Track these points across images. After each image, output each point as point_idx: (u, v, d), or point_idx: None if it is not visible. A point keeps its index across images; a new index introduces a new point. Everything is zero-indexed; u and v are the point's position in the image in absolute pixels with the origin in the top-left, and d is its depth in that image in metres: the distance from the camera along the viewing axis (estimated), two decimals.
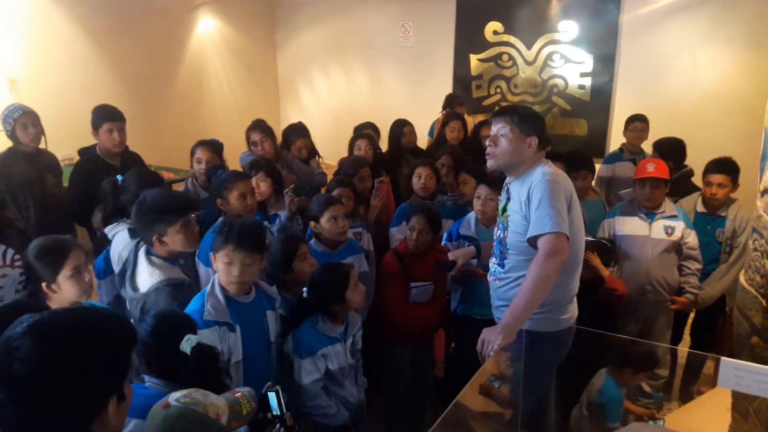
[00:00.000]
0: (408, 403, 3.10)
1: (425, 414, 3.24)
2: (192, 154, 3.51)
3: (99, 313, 1.11)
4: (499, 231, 2.47)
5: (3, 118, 3.45)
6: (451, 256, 2.81)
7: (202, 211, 2.86)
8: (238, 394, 1.60)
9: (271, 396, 1.71)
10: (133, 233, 2.66)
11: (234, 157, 4.22)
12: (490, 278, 2.54)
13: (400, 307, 2.91)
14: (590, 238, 3.31)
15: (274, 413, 1.71)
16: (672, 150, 3.90)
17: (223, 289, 2.19)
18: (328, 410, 2.40)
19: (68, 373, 0.99)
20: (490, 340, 2.13)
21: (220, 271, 2.19)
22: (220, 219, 2.93)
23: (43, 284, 2.08)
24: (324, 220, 2.88)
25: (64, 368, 0.99)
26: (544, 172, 2.29)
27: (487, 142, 2.38)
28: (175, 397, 1.42)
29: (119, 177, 2.90)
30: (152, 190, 2.49)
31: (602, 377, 2.94)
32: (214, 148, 3.54)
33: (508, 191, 2.44)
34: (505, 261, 2.41)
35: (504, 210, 2.43)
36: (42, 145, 3.59)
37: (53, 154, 3.74)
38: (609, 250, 3.27)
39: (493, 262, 2.52)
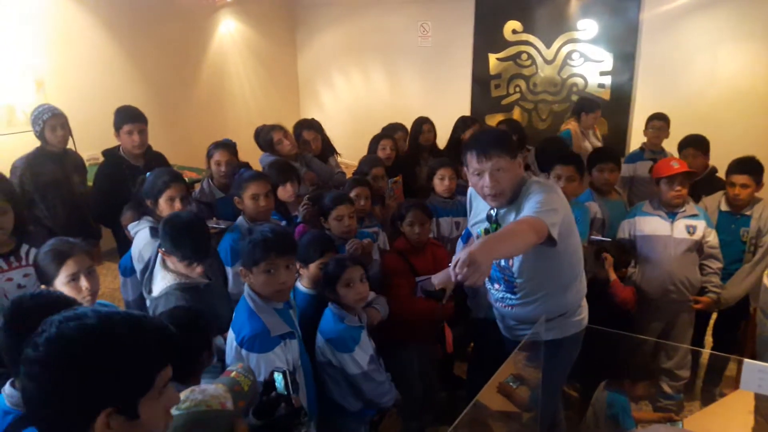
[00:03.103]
0: (424, 399, 3.12)
1: (441, 409, 3.28)
2: (209, 155, 3.53)
3: (117, 323, 1.04)
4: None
5: (33, 119, 3.53)
6: (434, 280, 2.59)
7: (220, 226, 2.94)
8: (233, 374, 1.59)
9: (278, 377, 1.65)
10: (154, 231, 2.69)
11: (254, 158, 4.27)
12: (498, 305, 2.51)
13: (410, 302, 2.92)
14: (607, 239, 3.31)
15: (280, 392, 1.65)
16: (698, 141, 3.88)
17: (264, 300, 2.16)
18: (384, 388, 2.48)
19: (58, 375, 0.99)
20: (477, 272, 1.75)
21: (262, 282, 2.13)
22: (238, 222, 2.97)
23: (42, 287, 2.09)
24: (331, 218, 2.95)
25: (55, 368, 0.99)
26: (533, 187, 2.21)
27: (486, 184, 2.19)
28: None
29: (148, 175, 2.93)
30: (182, 216, 2.43)
31: (603, 391, 2.93)
32: (232, 149, 3.57)
33: (495, 220, 2.33)
34: (516, 288, 2.38)
35: None
36: (69, 146, 3.67)
37: (79, 155, 3.82)
38: (627, 250, 3.26)
39: (497, 289, 2.46)
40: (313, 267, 2.60)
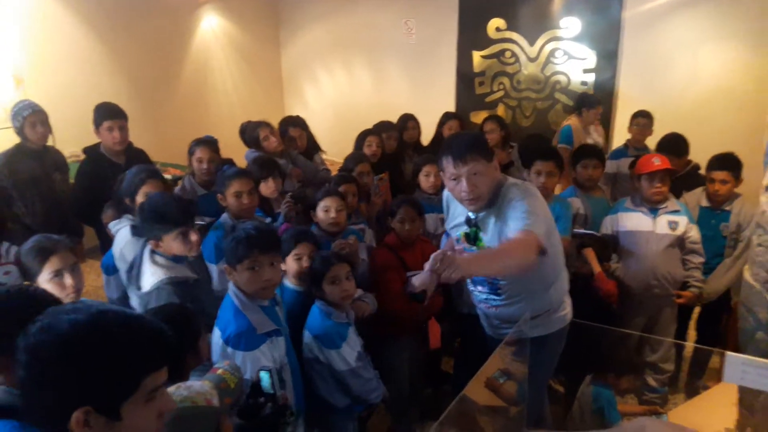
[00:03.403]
0: (412, 393, 3.13)
1: (427, 404, 3.29)
2: (191, 152, 3.48)
3: (109, 323, 1.02)
4: None
5: (12, 115, 3.47)
6: (416, 281, 2.66)
7: (202, 222, 2.88)
8: (219, 371, 1.59)
9: (264, 376, 1.64)
10: (135, 230, 2.67)
11: (238, 154, 4.23)
12: (482, 305, 2.52)
13: (401, 297, 2.93)
14: (590, 233, 3.33)
15: (266, 392, 1.65)
16: (674, 145, 3.90)
17: (249, 298, 2.15)
18: (371, 384, 2.49)
19: (41, 366, 0.99)
20: (452, 266, 1.88)
21: (246, 279, 2.12)
22: (222, 219, 2.95)
23: (25, 284, 2.01)
24: (318, 209, 2.97)
25: (39, 359, 0.99)
26: (511, 191, 2.21)
27: (464, 189, 2.18)
28: None
29: (127, 173, 2.91)
30: (156, 194, 2.48)
31: (589, 385, 2.96)
32: (214, 146, 3.53)
33: (474, 223, 2.33)
34: (500, 290, 2.39)
35: (477, 240, 2.33)
36: (50, 143, 3.61)
37: (60, 152, 3.76)
38: (607, 245, 3.28)
39: (480, 291, 2.46)
40: (289, 260, 2.59)
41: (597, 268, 3.16)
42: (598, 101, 5.22)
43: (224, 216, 2.97)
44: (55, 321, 1.00)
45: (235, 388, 1.56)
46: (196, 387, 1.44)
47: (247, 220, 2.84)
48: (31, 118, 3.44)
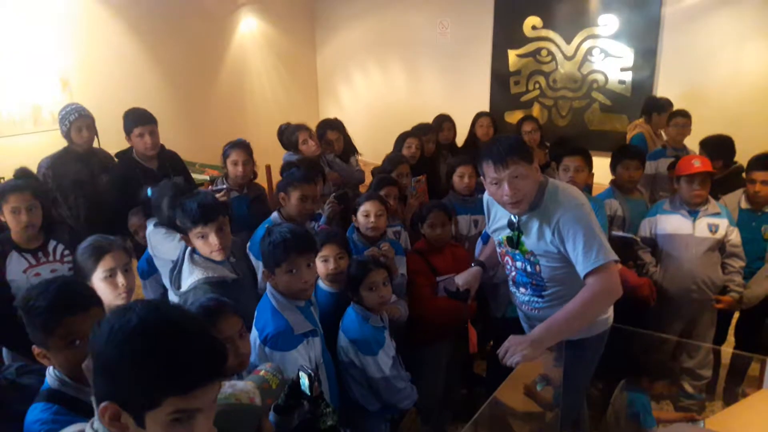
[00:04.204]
0: (445, 396, 3.14)
1: (460, 406, 3.30)
2: (225, 155, 3.50)
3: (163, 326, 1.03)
4: (521, 264, 2.37)
5: (60, 119, 3.57)
6: (458, 280, 2.62)
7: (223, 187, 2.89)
8: (261, 372, 1.62)
9: (303, 377, 1.66)
10: (159, 223, 2.79)
11: (273, 156, 4.29)
12: (524, 307, 2.51)
13: (432, 302, 2.94)
14: (629, 236, 3.29)
15: (305, 392, 1.66)
16: (720, 148, 3.82)
17: (286, 298, 2.18)
18: (404, 393, 2.49)
19: (92, 356, 1.04)
20: (516, 350, 2.02)
21: (286, 282, 2.16)
22: (272, 218, 3.00)
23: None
24: (359, 213, 2.97)
25: (91, 350, 1.05)
26: (560, 199, 2.21)
27: (506, 193, 2.18)
28: None
29: (149, 191, 2.93)
30: (189, 196, 2.50)
31: (623, 390, 2.92)
32: (249, 149, 3.54)
33: (517, 227, 2.32)
34: (544, 292, 2.37)
35: (518, 243, 2.33)
36: (96, 145, 3.70)
37: (109, 153, 3.83)
38: (632, 245, 3.22)
39: (522, 293, 2.46)
40: (316, 261, 2.57)
41: (620, 265, 3.10)
42: (669, 103, 4.99)
43: (275, 215, 3.02)
44: (115, 316, 1.04)
45: (277, 389, 1.59)
46: (240, 385, 1.48)
47: (300, 223, 2.89)
48: (77, 123, 3.52)
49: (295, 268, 2.15)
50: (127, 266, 2.16)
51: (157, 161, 3.61)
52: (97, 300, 1.70)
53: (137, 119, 3.51)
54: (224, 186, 3.34)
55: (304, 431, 1.67)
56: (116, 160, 3.78)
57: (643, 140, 4.81)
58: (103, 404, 1.01)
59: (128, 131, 3.52)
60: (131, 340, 1.00)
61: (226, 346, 1.09)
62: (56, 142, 3.71)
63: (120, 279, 2.12)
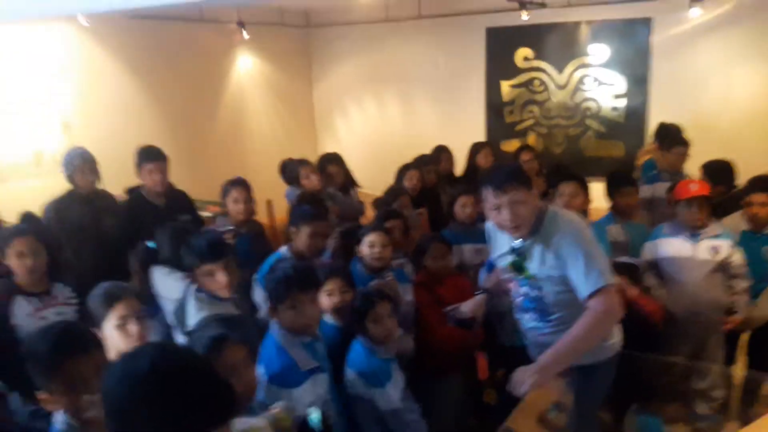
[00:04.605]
0: (455, 427, 3.11)
1: None
2: (225, 193, 3.52)
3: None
4: (526, 289, 2.40)
5: (64, 164, 3.61)
6: (464, 308, 2.70)
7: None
8: (275, 411, 1.63)
9: (314, 413, 1.66)
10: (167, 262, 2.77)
11: (273, 191, 4.32)
12: (530, 334, 2.51)
13: (441, 332, 2.94)
14: (633, 262, 3.30)
15: (315, 428, 1.67)
16: (722, 173, 3.85)
17: (291, 334, 2.18)
18: (415, 425, 2.49)
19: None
20: (523, 379, 2.06)
21: (290, 318, 2.17)
22: (282, 252, 3.01)
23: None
24: (363, 244, 2.98)
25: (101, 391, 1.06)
26: (560, 224, 2.25)
27: (506, 218, 2.23)
28: None
29: (150, 244, 2.91)
30: (196, 234, 2.56)
31: (635, 414, 2.90)
32: (248, 187, 3.57)
33: (518, 252, 2.35)
34: (549, 318, 2.39)
35: (522, 269, 2.36)
36: (99, 186, 3.72)
37: (111, 195, 3.86)
38: (635, 270, 3.24)
39: (528, 319, 2.47)
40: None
41: (634, 291, 3.11)
42: (685, 142, 4.61)
43: (284, 249, 3.03)
44: (119, 363, 1.06)
45: (289, 428, 1.60)
46: (252, 422, 1.49)
47: (309, 258, 2.90)
48: (81, 167, 3.56)
49: (298, 304, 2.16)
50: (140, 313, 2.12)
51: (165, 199, 3.66)
52: (97, 342, 1.71)
53: (149, 155, 3.58)
54: (231, 228, 3.34)
55: None
56: (118, 201, 3.81)
57: (655, 166, 4.82)
58: None
59: (139, 166, 3.58)
60: (143, 383, 1.01)
61: (233, 388, 1.11)
62: (59, 186, 3.73)
63: (133, 327, 2.06)
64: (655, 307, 3.11)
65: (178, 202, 3.75)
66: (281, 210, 4.53)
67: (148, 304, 2.93)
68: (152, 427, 1.00)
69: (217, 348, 1.74)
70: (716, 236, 3.23)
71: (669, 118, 5.29)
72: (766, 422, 2.55)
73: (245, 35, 6.25)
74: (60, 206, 3.57)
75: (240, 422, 1.48)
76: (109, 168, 3.87)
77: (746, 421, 3.27)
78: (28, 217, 3.24)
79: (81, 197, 3.62)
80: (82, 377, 1.56)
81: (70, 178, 3.60)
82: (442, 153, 4.81)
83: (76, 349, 1.59)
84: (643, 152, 5.26)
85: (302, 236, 2.96)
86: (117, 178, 4.21)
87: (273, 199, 5.18)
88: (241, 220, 3.50)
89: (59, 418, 1.57)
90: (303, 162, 4.07)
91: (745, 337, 3.59)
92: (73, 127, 5.00)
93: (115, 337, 2.03)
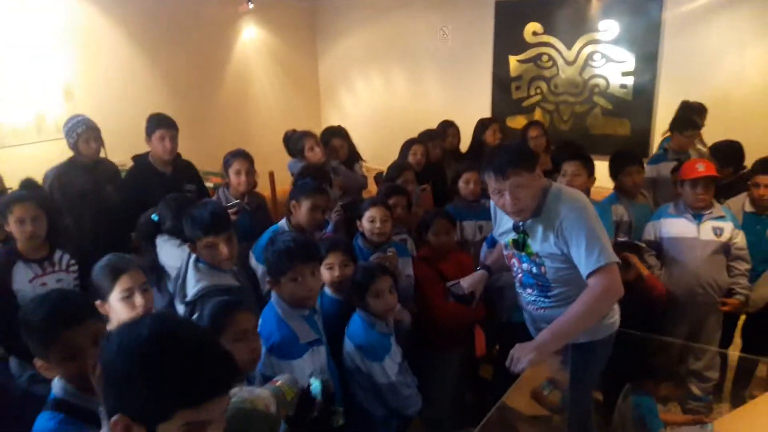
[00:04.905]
0: (451, 402, 3.13)
1: (466, 411, 3.29)
2: (227, 164, 3.49)
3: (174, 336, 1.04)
4: (527, 265, 2.39)
5: (67, 131, 3.59)
6: (464, 284, 2.68)
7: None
8: (278, 383, 1.63)
9: (315, 383, 1.67)
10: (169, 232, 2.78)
11: (276, 163, 4.29)
12: (529, 307, 2.51)
13: (441, 307, 2.95)
14: (634, 242, 3.29)
15: (316, 398, 1.68)
16: (731, 154, 3.81)
17: (291, 307, 2.18)
18: (410, 401, 2.50)
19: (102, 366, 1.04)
20: (521, 356, 2.08)
21: (291, 291, 2.16)
22: (279, 225, 3.00)
23: (97, 302, 2.03)
24: (364, 219, 2.97)
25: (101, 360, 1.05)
26: (563, 202, 2.23)
27: (508, 202, 2.22)
28: None
29: (154, 216, 2.88)
30: (199, 205, 2.54)
31: (629, 393, 2.92)
32: (250, 158, 3.54)
33: (522, 230, 2.34)
34: (550, 292, 2.38)
35: (524, 246, 2.35)
36: (102, 154, 3.72)
37: (113, 164, 3.86)
38: (640, 250, 3.24)
39: (528, 294, 2.47)
40: (321, 269, 2.57)
41: (645, 270, 3.11)
42: (704, 108, 4.82)
43: (282, 222, 3.02)
44: (118, 333, 1.04)
45: (292, 401, 1.61)
46: (256, 392, 1.49)
47: (309, 232, 2.89)
48: (85, 135, 3.55)
49: (299, 276, 2.16)
50: (145, 285, 2.11)
51: (171, 167, 3.66)
52: (92, 311, 1.72)
53: (161, 122, 3.58)
54: (236, 201, 3.33)
55: (317, 430, 1.68)
56: (120, 169, 3.80)
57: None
58: (114, 418, 1.01)
59: (150, 133, 3.57)
60: (142, 353, 1.00)
61: (234, 358, 1.09)
62: (60, 152, 3.72)
63: (138, 299, 2.04)
64: (662, 289, 3.10)
65: (185, 172, 3.75)
66: (283, 182, 4.52)
67: (150, 276, 2.97)
68: (152, 396, 0.99)
69: (231, 313, 1.78)
70: (719, 218, 3.22)
71: (677, 97, 5.22)
72: (756, 405, 2.58)
73: (250, 5, 6.17)
74: (61, 173, 3.56)
75: (244, 390, 1.49)
76: (111, 136, 3.86)
77: (738, 403, 3.32)
78: (28, 184, 3.23)
79: (83, 165, 3.61)
80: (77, 346, 1.56)
81: (74, 146, 3.58)
82: (448, 128, 4.77)
83: (71, 319, 1.60)
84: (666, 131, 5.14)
85: (302, 209, 2.94)
86: (119, 147, 4.20)
87: (275, 170, 5.17)
88: (242, 192, 3.49)
89: (58, 383, 1.58)
90: (307, 134, 4.02)
91: (742, 319, 3.60)
92: (75, 94, 4.98)
93: (120, 308, 2.02)
